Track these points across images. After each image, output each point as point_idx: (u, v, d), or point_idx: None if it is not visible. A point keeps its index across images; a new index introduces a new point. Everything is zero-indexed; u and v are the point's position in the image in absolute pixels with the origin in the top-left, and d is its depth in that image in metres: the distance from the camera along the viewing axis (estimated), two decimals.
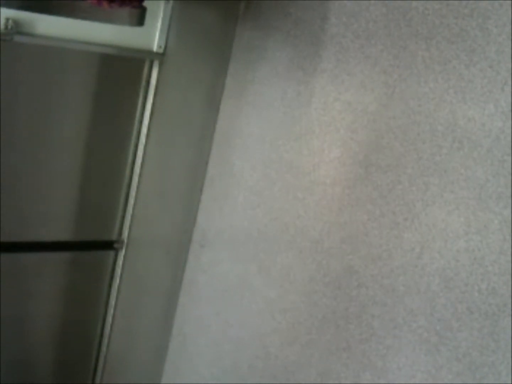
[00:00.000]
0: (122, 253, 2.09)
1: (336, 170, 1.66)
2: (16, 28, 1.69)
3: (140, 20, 1.68)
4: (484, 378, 1.37)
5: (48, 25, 1.73)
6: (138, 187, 2.03)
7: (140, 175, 2.02)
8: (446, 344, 1.43)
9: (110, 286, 2.13)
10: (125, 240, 2.08)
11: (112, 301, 2.14)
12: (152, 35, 1.89)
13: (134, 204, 2.04)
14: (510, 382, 1.33)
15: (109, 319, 2.16)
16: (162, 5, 1.86)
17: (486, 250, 1.36)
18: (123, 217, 2.07)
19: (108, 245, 2.09)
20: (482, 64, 1.35)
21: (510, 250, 1.32)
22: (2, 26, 1.66)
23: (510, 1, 1.30)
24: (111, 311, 2.15)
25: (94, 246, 2.09)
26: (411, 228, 1.49)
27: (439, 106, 1.43)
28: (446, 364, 1.43)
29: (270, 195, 1.86)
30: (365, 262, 1.59)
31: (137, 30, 1.79)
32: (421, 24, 1.45)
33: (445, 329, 1.43)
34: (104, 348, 2.19)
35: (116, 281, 2.12)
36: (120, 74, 1.93)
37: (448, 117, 1.41)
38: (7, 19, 1.66)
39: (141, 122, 1.98)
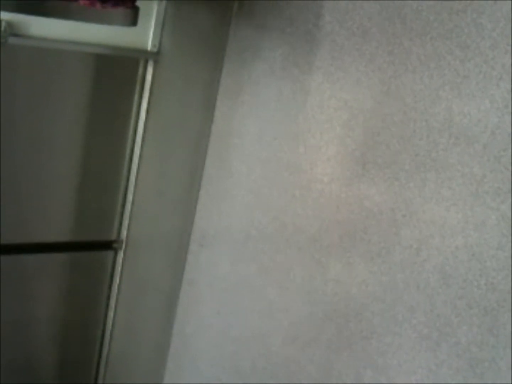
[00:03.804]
0: (121, 253, 2.09)
1: (333, 168, 1.66)
2: (10, 30, 1.68)
3: (133, 20, 1.67)
4: (485, 374, 1.37)
5: (42, 27, 1.73)
6: (135, 187, 2.03)
7: (137, 175, 2.02)
8: (446, 340, 1.43)
9: (110, 286, 2.13)
10: (124, 240, 2.08)
11: (112, 302, 2.14)
12: (146, 34, 1.89)
13: (132, 204, 2.04)
14: (510, 377, 1.33)
15: (109, 319, 2.16)
16: (155, 4, 1.86)
17: (484, 246, 1.36)
18: (121, 217, 2.07)
19: (107, 245, 2.09)
20: (476, 59, 1.35)
21: (509, 245, 1.32)
22: None
23: None
24: (111, 311, 2.15)
25: (93, 247, 2.09)
26: (409, 224, 1.49)
27: (434, 102, 1.43)
28: (447, 360, 1.43)
29: (268, 194, 1.85)
30: (364, 259, 1.59)
31: (131, 29, 1.79)
32: (415, 20, 1.45)
33: (445, 325, 1.43)
34: (105, 348, 2.20)
35: (116, 281, 2.12)
36: (115, 74, 1.92)
37: (444, 113, 1.41)
38: (1, 21, 1.66)
39: (137, 121, 1.98)
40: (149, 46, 1.89)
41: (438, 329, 1.44)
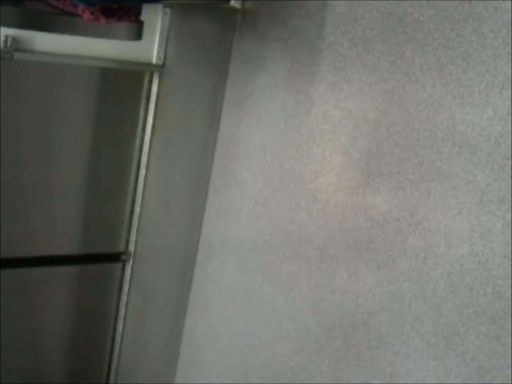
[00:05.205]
0: (129, 265, 2.10)
1: (338, 178, 1.67)
2: (16, 45, 1.70)
3: (138, 34, 1.69)
4: (493, 382, 1.37)
5: (48, 42, 1.74)
6: (143, 199, 2.04)
7: (144, 187, 2.03)
8: (453, 348, 1.43)
9: (118, 298, 2.14)
10: (132, 252, 2.09)
11: (121, 313, 2.15)
12: (151, 47, 1.90)
13: (140, 216, 2.05)
14: None
15: (119, 331, 2.17)
16: (159, 18, 1.87)
17: (490, 254, 1.36)
18: (129, 229, 2.08)
19: (116, 257, 2.10)
20: (479, 68, 1.35)
21: None
22: (2, 44, 1.67)
23: (505, 5, 1.30)
24: (120, 323, 2.16)
25: (101, 259, 2.10)
26: (415, 233, 1.49)
27: (438, 111, 1.43)
28: (455, 369, 1.43)
29: (274, 204, 1.86)
30: (370, 268, 1.59)
31: (136, 43, 1.80)
32: (417, 30, 1.45)
33: (452, 334, 1.43)
34: (115, 360, 2.20)
35: (125, 292, 2.13)
36: (121, 87, 1.94)
37: (447, 122, 1.41)
38: (7, 37, 1.68)
39: (143, 134, 1.99)
40: (154, 59, 1.91)
41: (445, 338, 1.44)
